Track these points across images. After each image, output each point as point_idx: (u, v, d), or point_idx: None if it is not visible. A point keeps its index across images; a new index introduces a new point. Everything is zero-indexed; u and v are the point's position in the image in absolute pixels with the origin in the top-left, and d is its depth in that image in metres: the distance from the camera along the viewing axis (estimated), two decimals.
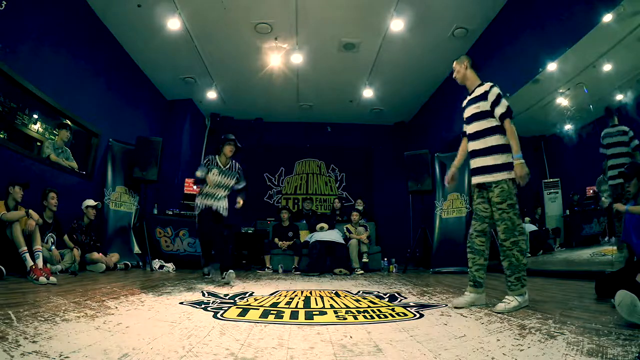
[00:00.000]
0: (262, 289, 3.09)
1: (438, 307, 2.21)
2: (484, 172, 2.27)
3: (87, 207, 4.38)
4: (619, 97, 3.57)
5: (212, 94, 6.83)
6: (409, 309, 2.14)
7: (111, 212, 5.13)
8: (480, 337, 1.46)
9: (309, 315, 1.94)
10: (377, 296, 2.72)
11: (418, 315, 1.94)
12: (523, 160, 2.11)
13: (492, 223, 2.28)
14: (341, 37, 5.29)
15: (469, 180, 5.18)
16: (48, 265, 3.29)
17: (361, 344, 1.36)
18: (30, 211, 3.18)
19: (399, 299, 2.54)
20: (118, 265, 4.52)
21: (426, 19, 4.81)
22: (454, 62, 2.49)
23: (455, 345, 1.34)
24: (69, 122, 4.64)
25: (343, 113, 7.94)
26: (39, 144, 5.45)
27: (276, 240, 5.68)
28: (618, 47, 3.33)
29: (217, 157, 3.78)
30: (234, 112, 7.85)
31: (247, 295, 2.70)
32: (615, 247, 3.39)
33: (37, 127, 5.59)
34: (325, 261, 5.23)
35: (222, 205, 3.79)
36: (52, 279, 2.79)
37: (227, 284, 3.40)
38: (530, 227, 4.85)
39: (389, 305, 2.28)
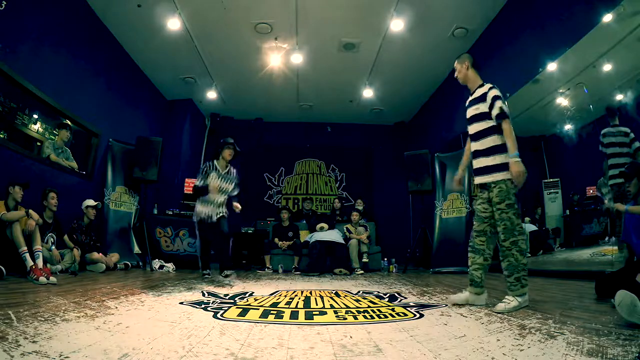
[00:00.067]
0: (262, 289, 3.09)
1: (438, 307, 2.21)
2: (484, 173, 2.29)
3: (87, 207, 4.39)
4: (619, 97, 3.57)
5: (212, 94, 6.84)
6: (409, 309, 2.14)
7: (111, 212, 5.13)
8: (480, 337, 1.46)
9: (309, 315, 1.94)
10: (377, 296, 2.72)
11: (418, 315, 1.94)
12: (519, 159, 2.10)
13: (493, 223, 2.28)
14: (341, 37, 5.29)
15: (469, 181, 5.21)
16: (48, 265, 3.29)
17: (361, 344, 1.36)
18: (30, 211, 3.18)
19: (399, 299, 2.54)
20: (118, 265, 4.52)
21: (426, 19, 4.82)
22: (455, 62, 2.49)
23: (455, 345, 1.34)
24: (69, 122, 4.64)
25: (343, 113, 7.95)
26: (39, 144, 5.45)
27: (276, 240, 5.68)
28: (618, 47, 3.32)
29: (215, 161, 3.77)
30: (234, 112, 7.85)
31: (247, 295, 2.70)
32: (615, 247, 3.39)
33: (37, 127, 5.59)
34: (325, 261, 5.23)
35: (221, 212, 3.76)
36: (52, 279, 2.79)
37: (227, 277, 3.42)
38: (530, 227, 4.85)
39: (389, 305, 2.28)
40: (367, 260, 5.47)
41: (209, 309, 2.05)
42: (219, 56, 5.79)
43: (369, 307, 2.24)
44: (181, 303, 2.22)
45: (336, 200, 6.77)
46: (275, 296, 2.67)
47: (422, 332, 1.56)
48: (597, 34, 3.20)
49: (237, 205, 3.80)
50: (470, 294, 2.29)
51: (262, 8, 4.69)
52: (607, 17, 3.09)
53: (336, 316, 1.93)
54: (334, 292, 3.01)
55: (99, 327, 1.47)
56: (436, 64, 5.83)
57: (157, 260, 4.89)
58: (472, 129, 2.38)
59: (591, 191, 4.36)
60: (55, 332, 1.34)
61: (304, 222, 6.46)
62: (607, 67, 3.58)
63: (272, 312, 2.02)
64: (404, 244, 6.95)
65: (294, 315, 1.94)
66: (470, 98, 2.42)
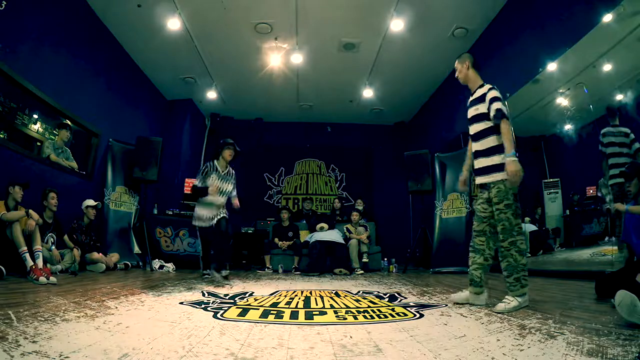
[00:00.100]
0: (262, 289, 3.09)
1: (438, 307, 2.21)
2: (484, 173, 2.30)
3: (87, 207, 4.39)
4: (619, 97, 3.57)
5: (212, 94, 6.83)
6: (409, 309, 2.14)
7: (111, 212, 5.13)
8: (480, 337, 1.46)
9: (309, 315, 1.94)
10: (377, 296, 2.72)
11: (418, 315, 1.94)
12: (515, 159, 2.10)
13: (492, 223, 2.28)
14: (341, 37, 5.29)
15: (469, 181, 5.20)
16: (48, 265, 3.29)
17: (361, 344, 1.36)
18: (30, 211, 3.18)
19: (399, 299, 2.54)
20: (118, 265, 4.52)
21: (426, 19, 4.82)
22: (456, 61, 2.49)
23: (455, 345, 1.34)
24: (69, 122, 4.64)
25: (343, 113, 7.95)
26: (39, 144, 5.45)
27: (276, 240, 5.68)
28: (618, 47, 3.32)
29: (215, 162, 3.76)
30: (234, 112, 7.85)
31: (247, 295, 2.70)
32: (615, 247, 3.39)
33: (37, 127, 5.59)
34: (325, 261, 5.23)
35: (221, 213, 3.73)
36: (52, 279, 2.79)
37: (226, 278, 3.43)
38: (530, 227, 4.85)
39: (389, 305, 2.28)
40: (367, 260, 5.47)
41: (209, 309, 2.05)
42: (219, 56, 5.79)
43: (369, 307, 2.24)
44: (181, 303, 2.22)
45: (336, 200, 6.77)
46: (275, 296, 2.67)
47: (422, 332, 1.56)
48: (597, 34, 3.20)
49: (236, 203, 3.79)
50: (470, 293, 2.31)
51: (262, 8, 4.69)
52: (607, 17, 3.09)
53: (336, 316, 1.93)
54: (334, 292, 3.01)
55: (99, 327, 1.47)
56: (436, 64, 5.83)
57: (157, 260, 4.89)
58: (473, 129, 2.39)
59: (591, 191, 4.36)
60: (55, 332, 1.34)
61: (304, 222, 6.46)
62: (607, 67, 3.58)
63: (272, 312, 2.02)
64: (404, 244, 6.95)
65: (294, 315, 1.94)
66: (471, 98, 2.43)
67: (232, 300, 2.40)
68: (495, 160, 2.22)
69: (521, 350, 1.25)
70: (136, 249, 5.19)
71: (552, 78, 3.98)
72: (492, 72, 4.48)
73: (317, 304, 2.33)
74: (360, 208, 6.31)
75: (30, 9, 3.76)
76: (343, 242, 5.41)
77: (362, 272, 5.17)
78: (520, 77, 4.22)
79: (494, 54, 4.80)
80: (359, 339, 1.43)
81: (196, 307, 2.09)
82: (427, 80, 6.47)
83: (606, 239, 3.92)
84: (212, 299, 2.45)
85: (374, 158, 8.48)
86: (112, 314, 1.77)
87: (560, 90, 4.20)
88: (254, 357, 1.18)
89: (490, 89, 2.29)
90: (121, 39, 5.36)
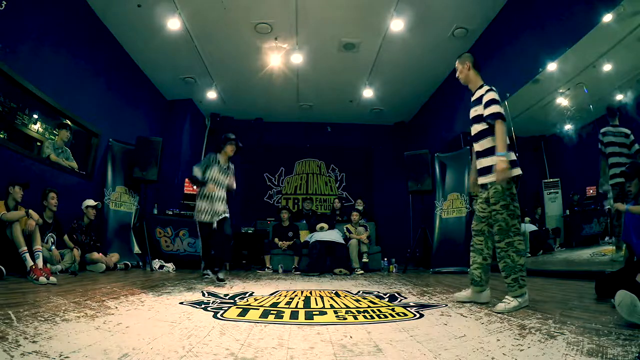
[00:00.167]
0: (262, 289, 3.09)
1: (438, 307, 2.21)
2: (483, 173, 2.32)
3: (87, 207, 4.39)
4: (619, 97, 3.57)
5: (212, 94, 6.84)
6: (409, 309, 2.14)
7: (111, 212, 5.13)
8: (480, 337, 1.46)
9: (309, 315, 1.94)
10: (377, 296, 2.72)
11: (418, 315, 1.94)
12: (503, 158, 2.11)
13: (491, 223, 2.29)
14: (341, 37, 5.29)
15: (469, 181, 5.20)
16: (48, 265, 3.29)
17: (361, 344, 1.36)
18: (30, 211, 3.18)
19: (399, 299, 2.54)
20: (118, 265, 4.52)
21: (426, 19, 4.82)
22: (457, 61, 2.50)
23: (455, 345, 1.34)
24: (69, 122, 4.64)
25: (343, 113, 7.95)
26: (39, 144, 5.45)
27: (276, 240, 5.68)
28: (618, 47, 3.32)
29: (218, 155, 3.79)
30: (234, 112, 7.85)
31: (247, 295, 2.70)
32: (614, 247, 3.39)
33: (37, 127, 5.59)
34: (325, 261, 5.23)
35: (222, 210, 3.73)
36: (52, 279, 2.79)
37: (222, 280, 3.42)
38: (530, 227, 4.85)
39: (389, 305, 2.28)
40: (367, 260, 5.47)
41: (209, 309, 2.05)
42: (219, 56, 5.79)
43: (369, 307, 2.24)
44: (181, 303, 2.22)
45: (336, 200, 6.77)
46: (275, 296, 2.67)
47: (422, 332, 1.56)
48: (597, 34, 3.20)
49: (233, 184, 3.80)
50: (471, 291, 2.36)
51: (262, 8, 4.69)
52: (607, 17, 3.09)
53: (336, 316, 1.93)
54: (334, 292, 3.01)
55: (99, 327, 1.47)
56: (436, 64, 5.83)
57: (157, 260, 4.89)
58: (473, 130, 2.41)
59: (591, 191, 4.36)
60: (55, 332, 1.34)
61: (304, 222, 6.46)
62: (607, 67, 3.58)
63: (272, 312, 2.02)
64: (404, 244, 6.95)
65: (294, 315, 1.94)
66: (472, 99, 2.44)
67: (232, 300, 2.40)
68: (492, 161, 2.23)
69: (521, 350, 1.25)
70: (136, 249, 5.19)
71: (552, 78, 3.98)
72: (492, 72, 4.48)
73: (317, 304, 2.33)
74: (360, 208, 6.31)
75: (30, 9, 3.76)
76: (343, 242, 5.40)
77: (362, 272, 5.17)
78: (520, 77, 4.22)
79: (494, 54, 4.80)
80: (359, 339, 1.43)
81: (196, 307, 2.09)
82: (427, 80, 6.47)
83: (606, 239, 3.92)
84: (212, 299, 2.45)
85: (374, 158, 8.48)
86: (112, 314, 1.77)
87: (560, 90, 4.20)
88: (254, 357, 1.18)
89: (488, 91, 2.29)
90: (121, 39, 5.36)
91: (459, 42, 5.23)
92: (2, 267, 2.75)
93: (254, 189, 8.10)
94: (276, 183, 8.31)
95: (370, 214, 7.12)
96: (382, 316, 1.93)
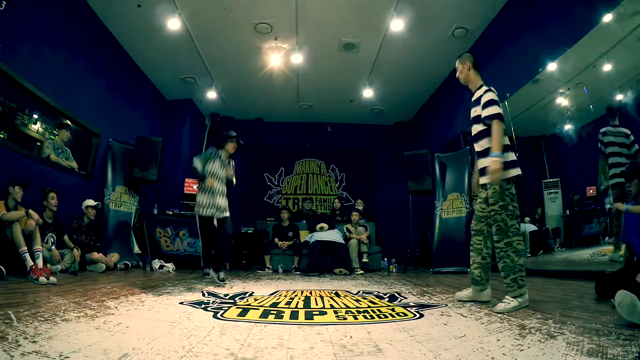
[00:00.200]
0: (262, 289, 3.09)
1: (438, 307, 2.21)
2: (483, 174, 2.33)
3: (87, 207, 4.39)
4: (619, 97, 3.57)
5: (212, 94, 6.84)
6: (409, 309, 2.14)
7: (111, 212, 5.13)
8: (480, 337, 1.46)
9: (309, 315, 1.94)
10: (377, 296, 2.72)
11: (418, 315, 1.94)
12: (497, 159, 2.12)
13: (490, 223, 2.29)
14: (341, 37, 5.29)
15: (469, 181, 5.21)
16: (48, 265, 3.29)
17: (361, 344, 1.36)
18: (30, 211, 3.18)
19: (399, 299, 2.54)
20: (118, 265, 4.52)
21: (426, 19, 4.82)
22: (457, 61, 2.50)
23: (455, 345, 1.34)
24: (69, 122, 4.64)
25: (343, 113, 7.95)
26: (39, 144, 5.45)
27: (276, 240, 5.68)
28: (618, 47, 3.32)
29: (220, 150, 3.79)
30: (234, 112, 7.85)
31: (247, 295, 2.70)
32: (612, 247, 3.39)
33: (37, 127, 5.59)
34: (325, 261, 5.23)
35: (224, 206, 3.73)
36: (52, 279, 2.79)
37: (223, 280, 3.42)
38: (530, 227, 4.85)
39: (389, 305, 2.28)
40: (367, 260, 5.47)
41: (209, 309, 2.05)
42: (219, 56, 5.79)
43: (369, 307, 2.24)
44: (181, 303, 2.22)
45: (336, 200, 6.77)
46: (275, 296, 2.67)
47: (422, 332, 1.56)
48: (597, 34, 3.20)
49: (230, 173, 3.77)
50: (472, 291, 2.38)
51: (262, 8, 4.70)
52: (607, 17, 3.09)
53: (336, 316, 1.93)
54: (334, 292, 3.01)
55: (99, 327, 1.47)
56: (436, 64, 5.83)
57: (157, 260, 4.89)
58: (473, 130, 2.42)
59: (591, 191, 4.36)
60: (55, 332, 1.34)
61: (304, 222, 6.46)
62: (607, 67, 3.58)
63: (272, 312, 2.02)
64: (404, 244, 6.95)
65: (294, 315, 1.94)
66: (472, 99, 2.44)
67: (232, 300, 2.40)
68: (488, 161, 2.24)
69: (521, 350, 1.25)
70: (136, 249, 5.19)
71: (552, 78, 3.98)
72: (492, 72, 4.48)
73: (317, 304, 2.33)
74: (360, 208, 6.31)
75: (30, 9, 3.76)
76: (343, 242, 5.40)
77: (362, 272, 5.17)
78: (520, 77, 4.22)
79: (494, 54, 4.80)
80: (359, 339, 1.43)
81: (196, 307, 2.09)
82: (427, 80, 6.47)
83: (606, 239, 3.92)
84: (212, 299, 2.45)
85: (374, 158, 8.48)
86: (112, 314, 1.77)
87: (560, 90, 4.20)
88: (254, 357, 1.18)
89: (486, 91, 2.29)
90: (121, 39, 5.36)
91: (459, 42, 5.23)
92: (2, 267, 2.75)
93: (254, 189, 8.10)
94: (276, 183, 8.31)
95: (370, 214, 7.12)
96: (382, 316, 1.93)
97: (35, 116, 5.54)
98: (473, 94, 2.44)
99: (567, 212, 4.74)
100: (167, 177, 6.59)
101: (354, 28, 5.10)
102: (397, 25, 4.85)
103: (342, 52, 5.62)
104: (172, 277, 3.98)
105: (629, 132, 3.41)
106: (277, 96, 7.06)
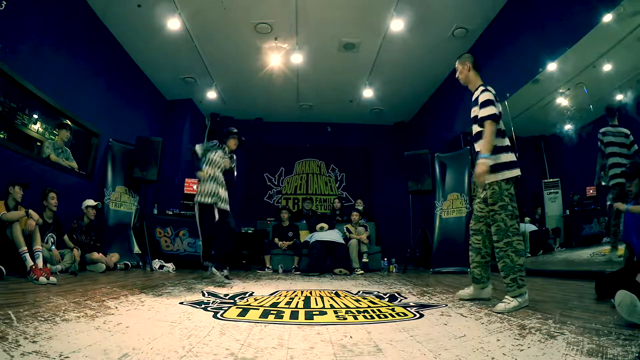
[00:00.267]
0: (262, 289, 3.09)
1: (438, 307, 2.21)
2: None
3: (87, 207, 4.39)
4: (619, 97, 3.57)
5: (212, 94, 6.84)
6: (409, 309, 2.14)
7: (111, 212, 5.13)
8: (480, 337, 1.46)
9: (309, 315, 1.94)
10: (377, 296, 2.72)
11: (418, 315, 1.94)
12: (484, 161, 2.13)
13: (489, 222, 2.29)
14: (341, 37, 5.29)
15: (469, 181, 5.21)
16: (48, 265, 3.29)
17: (361, 344, 1.36)
18: (30, 211, 3.18)
19: (399, 299, 2.54)
20: (118, 265, 4.52)
21: (426, 19, 4.82)
22: (457, 61, 2.50)
23: (455, 345, 1.34)
24: (69, 122, 4.64)
25: (343, 113, 7.95)
26: (39, 144, 5.45)
27: (276, 240, 5.68)
28: (618, 47, 3.32)
29: (223, 145, 3.82)
30: (234, 112, 7.85)
31: (247, 295, 2.70)
32: (609, 247, 3.40)
33: (37, 127, 5.59)
34: (325, 261, 5.23)
35: (224, 196, 3.70)
36: (52, 279, 2.79)
37: (227, 277, 3.42)
38: (530, 227, 4.85)
39: (389, 305, 2.28)
40: (367, 260, 5.47)
41: (209, 309, 2.05)
42: (219, 56, 5.79)
43: (369, 307, 2.24)
44: (181, 303, 2.22)
45: (336, 200, 6.77)
46: (275, 296, 2.67)
47: (422, 332, 1.56)
48: (597, 34, 3.20)
49: (228, 164, 3.75)
50: (473, 289, 2.41)
51: (262, 8, 4.70)
52: (607, 17, 3.09)
53: (336, 316, 1.93)
54: (334, 292, 3.01)
55: (99, 327, 1.47)
56: (436, 64, 5.83)
57: (157, 260, 4.89)
58: (473, 130, 2.43)
59: (591, 191, 4.36)
60: (55, 332, 1.34)
61: (304, 222, 6.46)
62: (607, 67, 3.58)
63: (272, 312, 2.02)
64: (404, 244, 6.95)
65: (294, 315, 1.94)
66: (472, 99, 2.45)
67: (232, 300, 2.40)
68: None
69: (521, 350, 1.25)
70: (136, 249, 5.19)
71: (552, 78, 3.98)
72: (492, 72, 4.48)
73: (317, 304, 2.33)
74: (360, 208, 6.31)
75: (30, 9, 3.76)
76: (343, 242, 5.40)
77: (362, 272, 5.17)
78: (520, 77, 4.22)
79: (494, 54, 4.80)
80: (359, 339, 1.43)
81: (196, 307, 2.09)
82: (427, 80, 6.47)
83: (605, 239, 3.92)
84: (212, 299, 2.45)
85: (374, 158, 8.48)
86: (112, 314, 1.77)
87: (560, 90, 4.20)
88: (254, 357, 1.18)
89: (483, 91, 2.30)
90: (121, 39, 5.36)
91: (459, 42, 5.23)
92: (2, 267, 2.75)
93: (254, 189, 8.10)
94: (276, 183, 8.31)
95: (370, 214, 7.12)
96: (382, 316, 1.93)
97: (35, 116, 5.54)
98: (472, 94, 2.44)
99: (567, 212, 4.74)
100: (167, 177, 6.59)
101: (354, 28, 5.10)
102: (397, 25, 4.85)
103: (342, 52, 5.62)
104: (172, 277, 3.98)
105: (628, 132, 3.41)
106: (277, 96, 7.06)
